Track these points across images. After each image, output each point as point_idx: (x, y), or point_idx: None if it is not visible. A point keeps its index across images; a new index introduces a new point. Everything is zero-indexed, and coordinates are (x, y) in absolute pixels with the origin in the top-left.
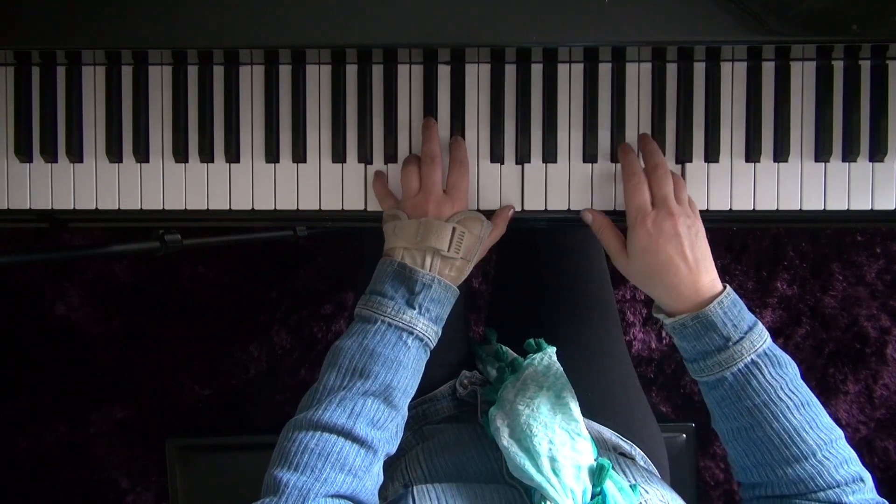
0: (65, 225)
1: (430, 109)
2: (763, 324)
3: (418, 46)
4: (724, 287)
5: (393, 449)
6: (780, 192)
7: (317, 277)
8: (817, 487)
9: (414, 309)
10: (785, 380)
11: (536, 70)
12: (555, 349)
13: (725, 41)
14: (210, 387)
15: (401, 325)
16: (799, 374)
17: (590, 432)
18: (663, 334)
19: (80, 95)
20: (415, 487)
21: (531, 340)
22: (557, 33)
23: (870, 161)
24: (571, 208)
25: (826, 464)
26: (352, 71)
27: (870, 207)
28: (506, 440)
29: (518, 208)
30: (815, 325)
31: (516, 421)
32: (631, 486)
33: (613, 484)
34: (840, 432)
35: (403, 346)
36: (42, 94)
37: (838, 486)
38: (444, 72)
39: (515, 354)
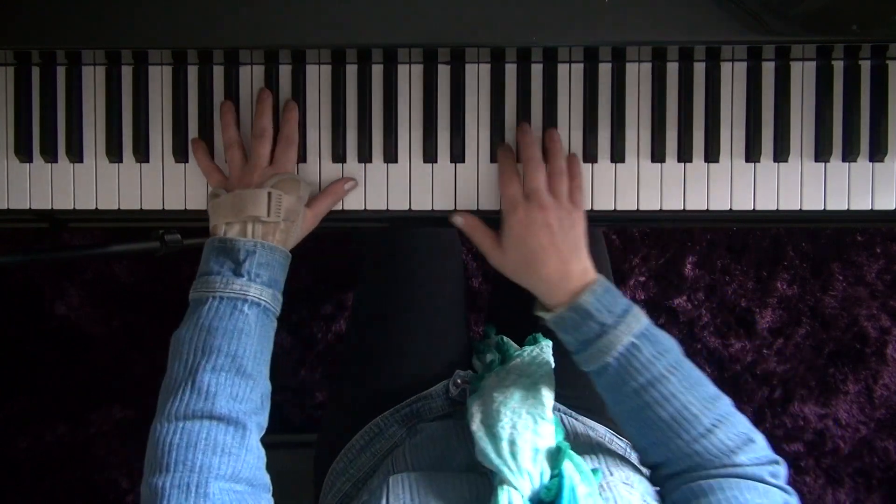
0: (65, 225)
1: (429, 109)
2: (763, 324)
3: (418, 46)
4: (597, 276)
5: (264, 421)
6: (780, 192)
7: (317, 277)
8: (711, 456)
9: (243, 277)
10: (665, 357)
11: (536, 70)
12: (551, 342)
13: (725, 41)
14: None
15: (232, 294)
16: (681, 352)
17: (574, 427)
18: None
19: (80, 95)
20: (391, 478)
21: (532, 336)
22: (557, 33)
23: (870, 161)
24: None
25: (716, 431)
26: (352, 71)
27: (870, 207)
28: (475, 425)
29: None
30: (815, 325)
31: (489, 407)
32: (593, 469)
33: (574, 466)
34: (727, 400)
35: (240, 314)
36: (42, 94)
37: (730, 452)
38: (444, 72)
39: (516, 346)
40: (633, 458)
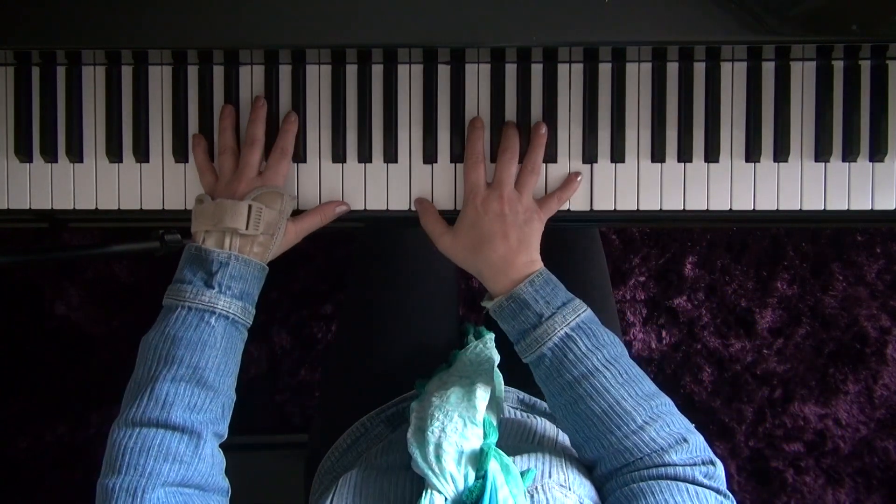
0: (65, 225)
1: (429, 109)
2: (763, 324)
3: (418, 46)
4: (540, 267)
5: (223, 430)
6: (780, 192)
7: (317, 277)
8: (642, 453)
9: (213, 288)
10: (601, 352)
11: (536, 70)
12: (493, 335)
13: (725, 41)
14: None
15: (200, 306)
16: (623, 350)
17: (556, 429)
18: (663, 334)
19: (80, 95)
20: (342, 476)
21: (470, 325)
22: (557, 33)
23: (870, 161)
24: (571, 209)
25: (647, 429)
26: (352, 71)
27: (870, 207)
28: (410, 432)
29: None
30: (815, 325)
31: (425, 412)
32: (524, 471)
33: (500, 467)
34: (664, 399)
35: (206, 326)
36: (42, 94)
37: (662, 451)
38: (444, 72)
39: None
40: None
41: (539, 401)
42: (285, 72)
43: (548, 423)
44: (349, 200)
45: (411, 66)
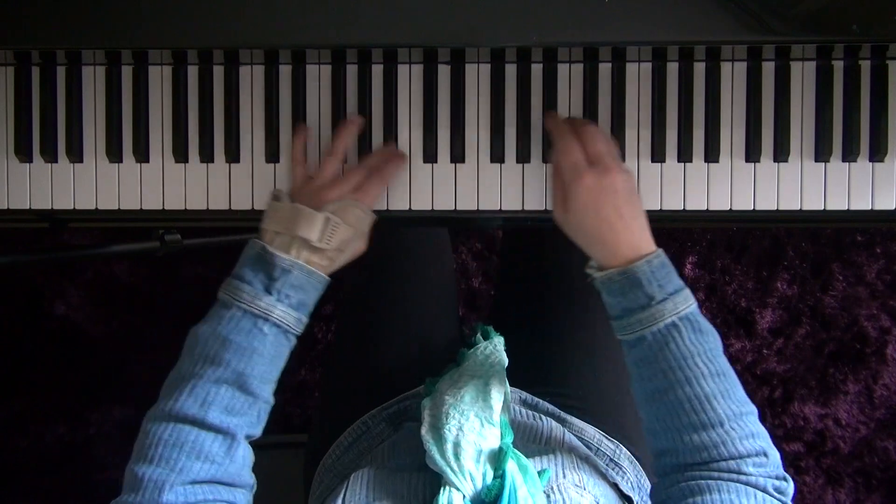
0: (65, 225)
1: (430, 109)
2: (763, 324)
3: (418, 46)
4: (657, 249)
5: (256, 432)
6: (780, 192)
7: None
8: (720, 457)
9: (271, 295)
10: (703, 347)
11: (536, 70)
12: (502, 339)
13: (725, 41)
14: None
15: (256, 311)
16: (720, 347)
17: (563, 430)
18: None
19: (80, 95)
20: (353, 474)
21: (480, 325)
22: (557, 33)
23: (870, 161)
24: None
25: (732, 434)
26: (352, 71)
27: (870, 207)
28: (424, 429)
29: (518, 207)
30: (815, 325)
31: (439, 410)
32: (541, 471)
33: (517, 467)
34: (752, 408)
35: (259, 333)
36: (42, 94)
37: (740, 458)
38: (444, 72)
39: (482, 341)
40: (624, 461)
41: (541, 401)
42: (285, 72)
43: (553, 422)
44: None
45: (411, 66)
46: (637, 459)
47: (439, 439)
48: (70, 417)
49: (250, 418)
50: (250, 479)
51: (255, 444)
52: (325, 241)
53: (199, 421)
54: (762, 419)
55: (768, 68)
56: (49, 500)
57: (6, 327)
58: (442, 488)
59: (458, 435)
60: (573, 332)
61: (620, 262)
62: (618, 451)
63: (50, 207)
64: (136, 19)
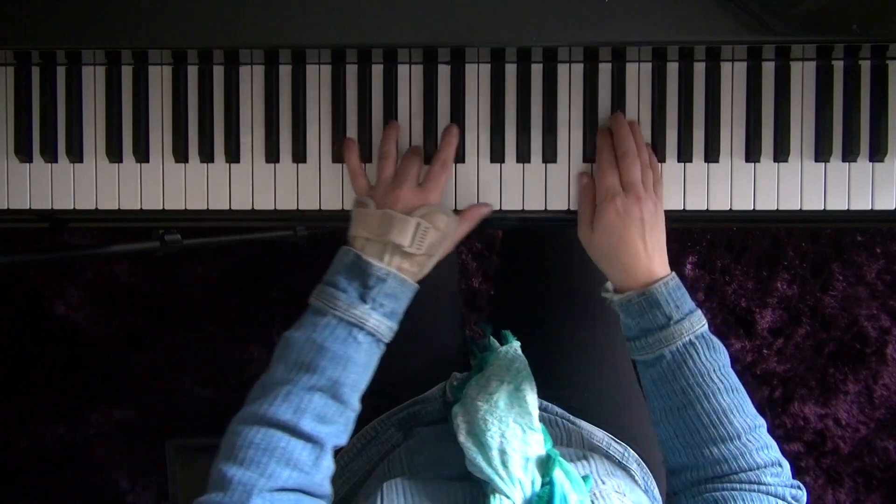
0: (65, 225)
1: (430, 109)
2: (763, 324)
3: (418, 46)
4: (671, 272)
5: (343, 441)
6: (780, 192)
7: (317, 278)
8: (739, 469)
9: (366, 304)
10: (718, 363)
11: (536, 70)
12: (518, 343)
13: (725, 41)
14: (210, 387)
15: (351, 319)
16: (729, 363)
17: (580, 433)
18: None
19: (80, 95)
20: (385, 483)
21: (487, 327)
22: (557, 33)
23: (870, 161)
24: (571, 208)
25: (749, 446)
26: (352, 71)
27: (870, 207)
28: (462, 437)
29: (518, 208)
30: (815, 325)
31: (474, 417)
32: (584, 476)
33: (564, 474)
34: (762, 421)
35: (353, 341)
36: (42, 94)
37: (758, 469)
38: (444, 72)
39: (498, 344)
40: (632, 463)
41: (550, 404)
42: (285, 72)
43: (571, 426)
44: (350, 200)
45: (411, 66)
46: (644, 461)
47: (481, 446)
48: (70, 417)
49: (339, 427)
50: (330, 490)
51: None
52: (415, 246)
53: (292, 428)
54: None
55: (768, 68)
56: (49, 500)
57: (6, 327)
58: (491, 496)
59: (501, 442)
60: (573, 332)
61: (636, 286)
62: (626, 454)
63: (50, 207)
64: (136, 19)
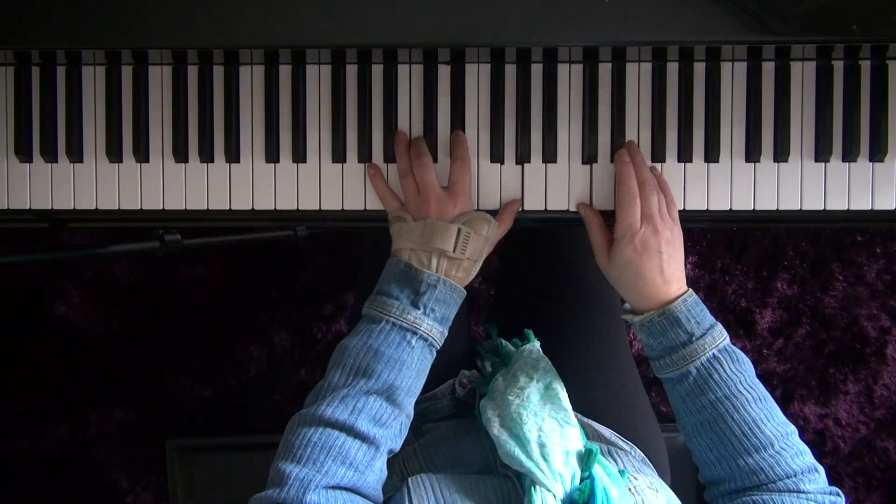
0: (65, 225)
1: (430, 109)
2: (763, 324)
3: (418, 46)
4: (688, 289)
5: (397, 446)
6: (780, 192)
7: (317, 278)
8: (776, 477)
9: (419, 309)
10: (743, 374)
11: (536, 70)
12: (539, 343)
13: (725, 41)
14: (210, 387)
15: (405, 325)
16: (755, 373)
17: (585, 429)
18: None
19: (80, 95)
20: (410, 478)
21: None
22: (557, 33)
23: (870, 161)
24: (571, 209)
25: (784, 454)
26: (352, 71)
27: (870, 207)
28: (496, 429)
29: (518, 208)
30: (815, 325)
31: (507, 410)
32: (620, 471)
33: (602, 469)
34: (793, 427)
35: (407, 345)
36: (42, 94)
37: (795, 476)
38: (444, 72)
39: (513, 348)
40: (638, 458)
41: None
42: (285, 72)
43: (594, 423)
44: (350, 200)
45: (411, 66)
46: (646, 456)
47: (519, 440)
48: (70, 417)
49: (393, 430)
50: (380, 496)
51: (256, 445)
52: (459, 251)
53: (349, 427)
54: None
55: (768, 68)
56: (49, 500)
57: (6, 327)
58: (532, 489)
59: (539, 436)
60: (574, 332)
61: (654, 307)
62: (633, 452)
63: (50, 207)
64: (136, 19)
